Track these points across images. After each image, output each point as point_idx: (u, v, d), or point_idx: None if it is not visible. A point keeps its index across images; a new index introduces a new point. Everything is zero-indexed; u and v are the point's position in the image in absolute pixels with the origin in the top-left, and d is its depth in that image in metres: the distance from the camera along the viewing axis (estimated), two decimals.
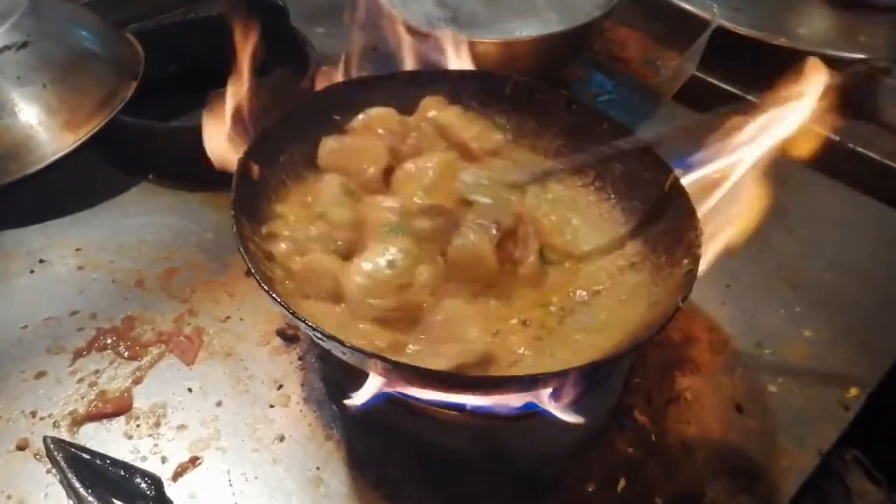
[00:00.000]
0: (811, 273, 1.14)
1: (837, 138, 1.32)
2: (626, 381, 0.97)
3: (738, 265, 1.14)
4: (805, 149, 0.91)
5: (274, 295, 0.72)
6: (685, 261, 0.80)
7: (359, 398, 0.79)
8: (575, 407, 0.78)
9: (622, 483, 0.88)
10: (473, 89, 1.04)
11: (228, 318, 1.05)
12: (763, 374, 1.00)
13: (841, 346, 1.03)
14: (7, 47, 1.16)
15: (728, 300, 1.10)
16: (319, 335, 0.70)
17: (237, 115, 0.89)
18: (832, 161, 1.31)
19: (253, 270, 0.75)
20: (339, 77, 1.09)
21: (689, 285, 0.76)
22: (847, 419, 0.95)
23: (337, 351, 0.71)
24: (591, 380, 0.86)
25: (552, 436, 0.89)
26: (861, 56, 1.37)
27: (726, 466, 0.89)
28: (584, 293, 0.88)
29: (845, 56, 1.36)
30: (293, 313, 0.71)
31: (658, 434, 0.93)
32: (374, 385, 0.79)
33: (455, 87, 1.04)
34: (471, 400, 0.82)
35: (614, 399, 0.94)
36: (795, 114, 0.81)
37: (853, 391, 0.97)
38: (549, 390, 0.77)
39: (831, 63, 0.86)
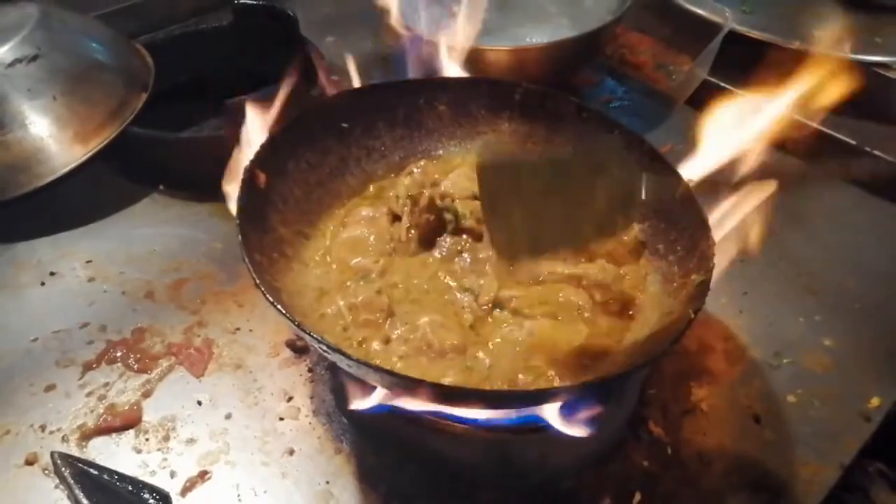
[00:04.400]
0: (831, 280, 1.11)
1: (854, 142, 1.29)
2: (641, 392, 0.95)
3: (755, 272, 1.12)
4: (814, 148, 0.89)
5: (279, 307, 0.71)
6: (698, 271, 0.78)
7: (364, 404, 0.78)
8: (588, 421, 0.76)
9: (638, 497, 0.86)
10: (482, 97, 1.03)
11: (238, 329, 1.04)
12: (782, 384, 0.97)
13: (862, 355, 1.01)
14: (18, 60, 1.16)
15: (745, 308, 1.07)
16: (325, 347, 0.68)
17: None
18: (850, 165, 1.29)
19: (258, 281, 0.74)
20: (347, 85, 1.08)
21: (702, 297, 0.74)
22: (869, 430, 0.92)
23: (342, 363, 0.70)
24: (603, 394, 0.84)
25: (566, 449, 0.87)
26: (877, 58, 1.35)
27: (745, 480, 0.87)
28: None
29: (861, 58, 1.34)
30: (298, 325, 0.70)
31: (674, 446, 0.91)
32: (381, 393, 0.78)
33: (464, 94, 1.03)
34: (479, 414, 0.80)
35: (629, 411, 0.92)
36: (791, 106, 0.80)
37: (875, 401, 0.95)
38: (559, 405, 0.75)
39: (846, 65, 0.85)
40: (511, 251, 0.78)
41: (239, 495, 0.85)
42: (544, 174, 0.75)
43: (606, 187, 0.74)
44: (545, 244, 0.77)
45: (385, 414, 0.80)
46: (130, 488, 0.83)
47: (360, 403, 0.79)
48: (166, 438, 0.91)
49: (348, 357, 0.67)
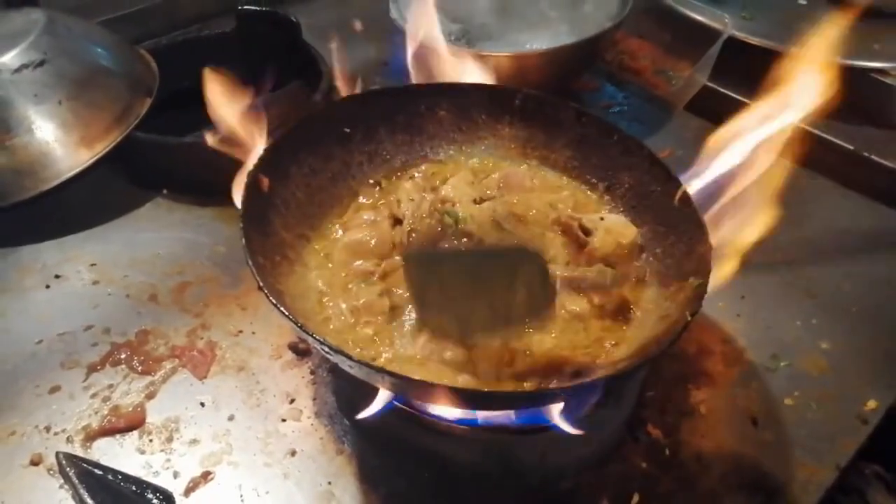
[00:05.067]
0: (828, 283, 1.12)
1: (852, 147, 1.30)
2: (640, 393, 0.96)
3: (753, 276, 1.12)
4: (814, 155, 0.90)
5: (282, 309, 0.72)
6: (696, 275, 0.79)
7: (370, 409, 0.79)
8: (587, 421, 0.77)
9: (636, 498, 0.87)
10: (483, 102, 1.04)
11: (241, 331, 1.05)
12: (779, 386, 0.98)
13: (859, 358, 1.02)
14: (25, 65, 1.17)
15: (743, 311, 1.08)
16: (327, 349, 0.69)
17: None
18: (848, 170, 1.30)
19: (261, 284, 0.75)
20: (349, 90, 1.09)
21: (699, 300, 0.75)
22: (866, 433, 0.93)
23: (344, 364, 0.71)
24: (601, 394, 0.85)
25: (566, 450, 0.88)
26: (875, 64, 1.36)
27: (742, 481, 0.88)
28: None
29: (859, 64, 1.35)
30: (301, 326, 0.71)
31: (672, 448, 0.92)
32: (384, 397, 0.79)
33: (464, 100, 1.04)
34: (479, 414, 0.81)
35: (628, 412, 0.93)
36: (791, 114, 0.81)
37: (872, 404, 0.95)
38: (560, 405, 0.76)
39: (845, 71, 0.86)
40: (442, 335, 0.82)
41: (241, 496, 0.86)
42: (466, 268, 0.83)
43: (524, 282, 0.81)
44: (474, 329, 0.81)
45: (387, 415, 0.81)
46: (134, 488, 0.84)
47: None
48: (170, 439, 0.92)
49: (350, 358, 0.68)
